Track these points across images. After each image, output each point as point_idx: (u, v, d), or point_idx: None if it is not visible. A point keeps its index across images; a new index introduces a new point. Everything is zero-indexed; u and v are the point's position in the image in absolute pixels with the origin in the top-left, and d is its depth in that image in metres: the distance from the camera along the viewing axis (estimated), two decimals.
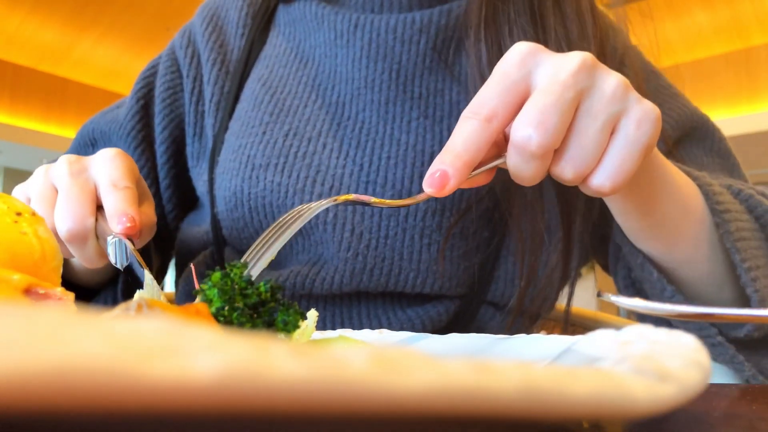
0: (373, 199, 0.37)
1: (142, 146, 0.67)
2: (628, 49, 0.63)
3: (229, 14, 0.68)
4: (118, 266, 0.42)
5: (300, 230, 0.56)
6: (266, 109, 0.59)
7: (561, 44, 0.52)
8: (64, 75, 5.18)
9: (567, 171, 0.35)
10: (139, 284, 0.63)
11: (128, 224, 0.42)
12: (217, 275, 0.28)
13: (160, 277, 0.71)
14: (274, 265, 0.59)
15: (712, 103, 4.38)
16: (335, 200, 0.36)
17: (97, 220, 0.44)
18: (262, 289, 0.28)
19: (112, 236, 0.42)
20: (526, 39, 0.51)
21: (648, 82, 0.63)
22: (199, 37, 0.68)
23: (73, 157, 0.47)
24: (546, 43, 0.51)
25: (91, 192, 0.45)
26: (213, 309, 0.27)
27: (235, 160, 0.57)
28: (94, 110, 0.73)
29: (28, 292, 0.23)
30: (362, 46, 0.58)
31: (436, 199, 0.53)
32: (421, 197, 0.36)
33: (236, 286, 0.28)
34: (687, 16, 4.00)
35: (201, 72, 0.67)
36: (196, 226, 0.66)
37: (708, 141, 0.62)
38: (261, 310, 0.28)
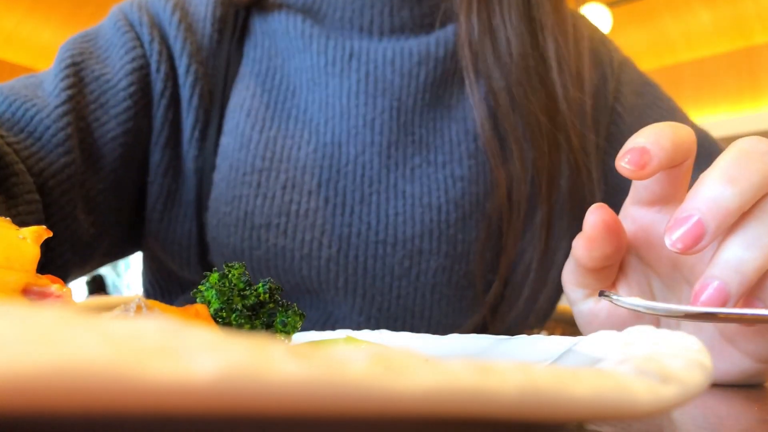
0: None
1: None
2: (623, 65, 0.62)
3: (198, 8, 0.58)
4: None
5: (308, 288, 0.54)
6: (256, 151, 0.53)
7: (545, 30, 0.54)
8: None
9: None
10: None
11: None
12: (215, 276, 0.28)
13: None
14: None
15: (713, 102, 4.38)
16: None
17: None
18: (260, 290, 0.28)
19: None
20: (518, 18, 0.53)
21: (644, 95, 0.61)
22: (166, 24, 0.56)
23: None
24: (543, 30, 0.54)
25: None
26: (211, 310, 0.27)
27: (231, 214, 0.53)
28: None
29: (26, 291, 0.22)
30: (358, 78, 0.54)
31: (444, 255, 0.53)
32: None
33: (234, 288, 0.27)
34: (688, 14, 4.00)
35: (175, 72, 0.56)
36: (176, 244, 0.59)
37: (714, 157, 0.60)
38: (260, 311, 0.28)
